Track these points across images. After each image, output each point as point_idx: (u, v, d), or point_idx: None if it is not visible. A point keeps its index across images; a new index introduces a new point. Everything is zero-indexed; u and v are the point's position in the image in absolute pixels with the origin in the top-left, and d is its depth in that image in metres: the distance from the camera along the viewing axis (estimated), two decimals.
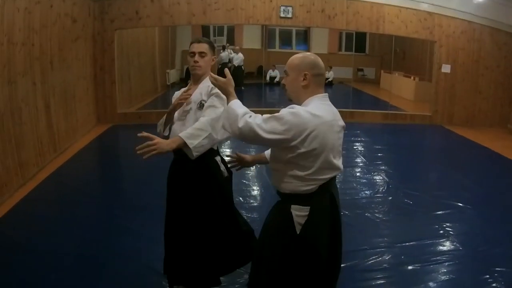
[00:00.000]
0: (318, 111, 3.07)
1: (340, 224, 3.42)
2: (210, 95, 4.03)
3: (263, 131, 2.96)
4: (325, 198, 3.22)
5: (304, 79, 3.18)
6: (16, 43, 7.59)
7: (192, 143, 3.68)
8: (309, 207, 3.16)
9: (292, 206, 3.18)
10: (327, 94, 3.31)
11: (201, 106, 4.00)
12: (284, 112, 3.02)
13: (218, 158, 4.23)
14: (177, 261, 4.35)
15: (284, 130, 2.95)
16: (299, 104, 3.20)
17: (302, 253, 3.17)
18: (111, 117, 12.72)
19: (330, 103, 3.31)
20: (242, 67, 19.61)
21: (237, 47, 19.44)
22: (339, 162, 3.27)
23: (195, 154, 3.77)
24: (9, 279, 4.83)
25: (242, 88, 19.01)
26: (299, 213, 3.16)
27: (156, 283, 4.88)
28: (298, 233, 3.16)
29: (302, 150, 3.02)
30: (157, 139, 3.54)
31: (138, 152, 3.44)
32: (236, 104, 3.17)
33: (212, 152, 4.12)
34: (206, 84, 4.06)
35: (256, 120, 2.99)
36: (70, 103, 10.34)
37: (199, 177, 4.14)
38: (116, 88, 12.65)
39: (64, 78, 9.95)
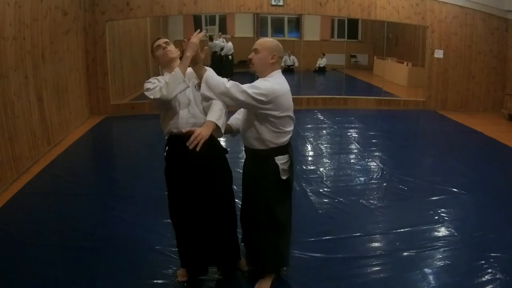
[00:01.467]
0: (281, 83, 4.14)
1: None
2: None
3: (248, 94, 3.93)
4: (291, 146, 4.40)
5: (272, 58, 4.16)
6: (7, 37, 7.56)
7: (220, 123, 3.98)
8: (287, 155, 4.32)
9: (276, 157, 4.25)
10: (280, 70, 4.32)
11: (199, 86, 4.23)
12: (260, 82, 4.06)
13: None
14: (204, 248, 4.53)
15: (262, 94, 3.94)
16: (263, 77, 4.19)
17: (284, 188, 4.38)
18: (104, 109, 12.70)
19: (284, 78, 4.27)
20: (230, 56, 19.55)
21: (228, 36, 19.37)
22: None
23: (223, 132, 4.15)
24: (7, 272, 4.84)
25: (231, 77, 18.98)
26: (282, 161, 4.27)
27: (152, 273, 4.90)
28: (283, 178, 4.29)
29: (277, 112, 4.06)
30: (198, 130, 3.80)
31: (190, 147, 3.73)
32: (215, 75, 4.09)
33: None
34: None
35: (243, 86, 3.97)
36: (62, 96, 10.31)
37: (212, 156, 4.39)
38: (108, 79, 12.61)
39: (56, 71, 9.92)
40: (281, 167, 4.26)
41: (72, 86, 11.03)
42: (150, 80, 4.25)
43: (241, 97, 3.93)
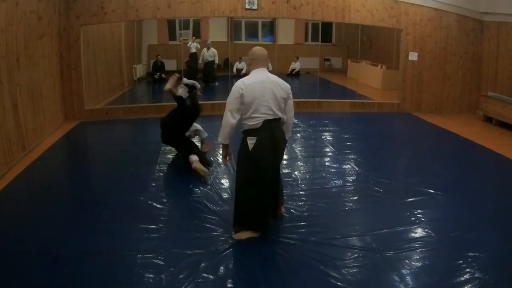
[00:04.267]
0: (249, 78, 5.54)
1: (281, 149, 5.83)
2: None
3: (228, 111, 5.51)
4: (265, 132, 5.49)
5: (250, 64, 5.76)
6: None
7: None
8: (256, 137, 5.49)
9: (247, 137, 5.56)
10: (265, 68, 5.71)
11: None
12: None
13: None
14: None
15: (232, 98, 5.46)
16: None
17: (254, 162, 5.55)
18: (78, 114, 12.54)
19: (265, 71, 5.65)
20: (212, 62, 19.43)
21: (209, 42, 19.25)
22: (270, 106, 5.49)
23: None
24: None
25: (216, 83, 18.94)
26: (250, 141, 5.52)
27: (129, 279, 4.87)
28: (250, 151, 5.52)
29: (243, 105, 5.44)
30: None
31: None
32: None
33: None
34: None
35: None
36: (37, 101, 10.17)
37: None
38: (83, 84, 12.45)
39: (31, 76, 9.78)
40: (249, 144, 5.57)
41: (47, 91, 10.89)
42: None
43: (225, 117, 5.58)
